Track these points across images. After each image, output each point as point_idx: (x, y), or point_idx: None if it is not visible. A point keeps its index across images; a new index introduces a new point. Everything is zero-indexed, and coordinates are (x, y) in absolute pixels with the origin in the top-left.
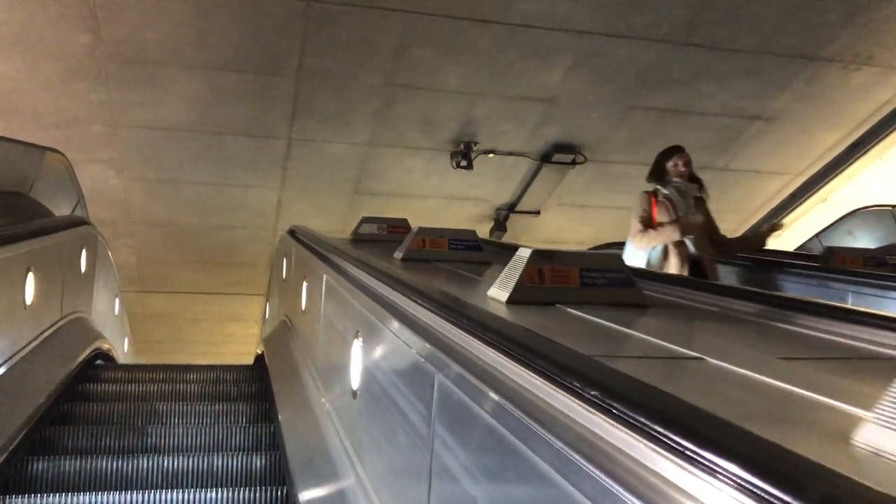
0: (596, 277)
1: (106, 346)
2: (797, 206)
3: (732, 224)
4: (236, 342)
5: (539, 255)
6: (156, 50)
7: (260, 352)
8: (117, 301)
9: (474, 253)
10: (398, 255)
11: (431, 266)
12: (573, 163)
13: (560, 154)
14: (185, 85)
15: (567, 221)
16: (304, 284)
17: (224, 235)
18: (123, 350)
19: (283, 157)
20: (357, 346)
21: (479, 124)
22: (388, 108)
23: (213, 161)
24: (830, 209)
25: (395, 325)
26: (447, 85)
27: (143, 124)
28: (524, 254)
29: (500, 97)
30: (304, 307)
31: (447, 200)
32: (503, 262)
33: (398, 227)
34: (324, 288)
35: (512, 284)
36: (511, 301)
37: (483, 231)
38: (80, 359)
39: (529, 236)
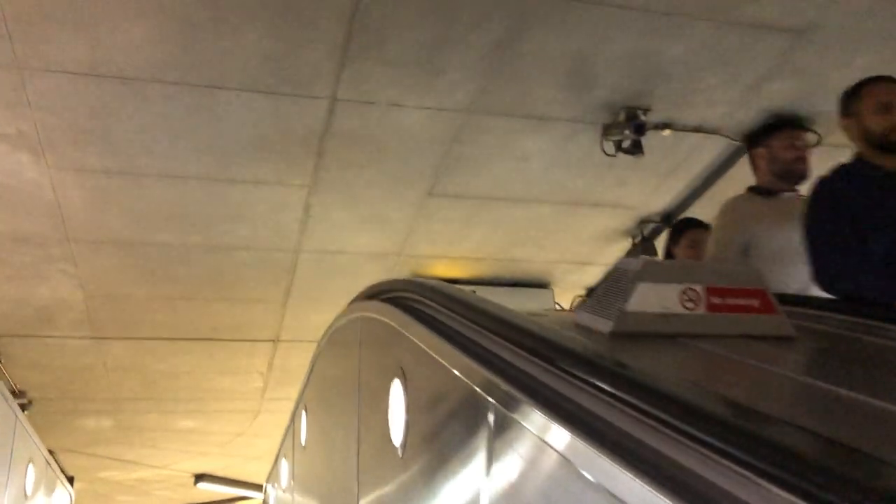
0: None
1: None
2: None
3: None
4: (232, 399)
5: None
6: None
7: None
8: None
9: None
10: None
11: None
12: None
13: None
14: None
15: None
16: None
17: (217, 260)
18: (25, 493)
19: (319, 131)
20: None
21: (664, 76)
22: (511, 43)
23: (200, 138)
24: None
25: None
26: None
27: (72, 68)
28: None
29: (716, 22)
30: None
31: (567, 208)
32: None
33: (736, 296)
34: None
35: None
36: None
37: (616, 253)
38: None
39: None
